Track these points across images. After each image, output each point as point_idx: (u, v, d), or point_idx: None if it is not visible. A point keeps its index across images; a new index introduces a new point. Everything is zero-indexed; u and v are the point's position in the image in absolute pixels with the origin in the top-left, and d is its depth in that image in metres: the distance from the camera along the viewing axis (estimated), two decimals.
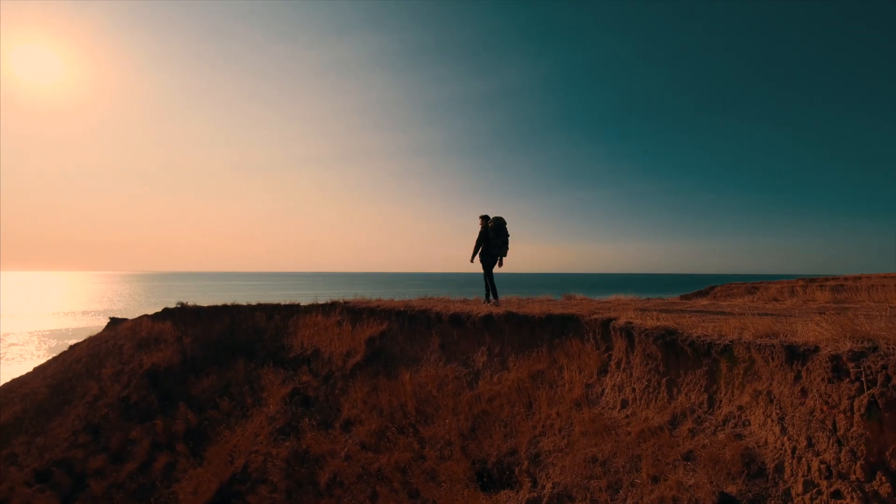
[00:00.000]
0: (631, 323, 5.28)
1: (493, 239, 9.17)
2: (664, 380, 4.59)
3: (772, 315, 5.90)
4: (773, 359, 3.54)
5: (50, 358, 17.61)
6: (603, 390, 5.45)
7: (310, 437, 8.77)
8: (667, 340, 4.55)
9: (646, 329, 4.86)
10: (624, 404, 4.95)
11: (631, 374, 5.06)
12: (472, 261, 9.35)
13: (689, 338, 4.33)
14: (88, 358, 15.82)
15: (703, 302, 7.93)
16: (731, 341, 3.97)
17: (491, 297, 9.70)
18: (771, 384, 3.56)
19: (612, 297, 9.90)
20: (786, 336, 3.66)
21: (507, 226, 9.29)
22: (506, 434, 6.01)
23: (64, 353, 17.49)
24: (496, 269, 9.41)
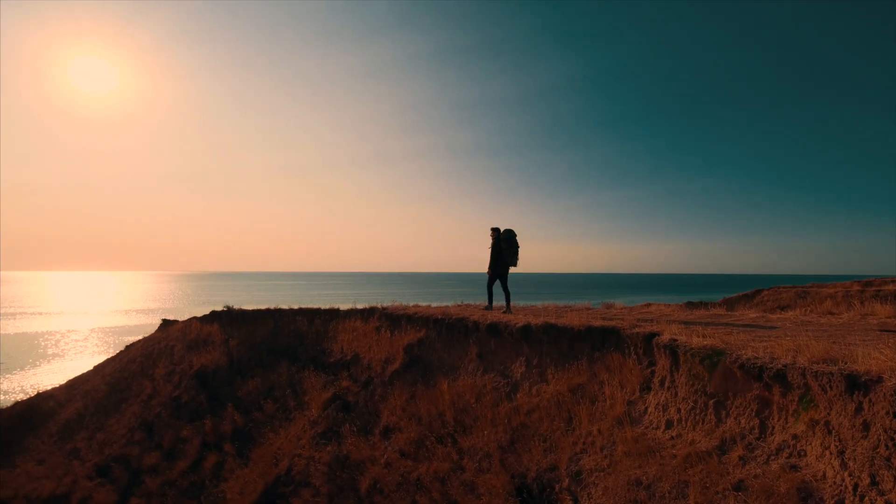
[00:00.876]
0: (676, 340, 5.14)
1: (504, 250, 9.86)
2: (711, 402, 4.45)
3: (827, 331, 5.62)
4: (831, 387, 3.38)
5: (108, 357, 18.66)
6: (646, 409, 5.33)
7: (350, 442, 8.97)
8: (714, 361, 4.41)
9: (692, 348, 4.72)
10: (669, 425, 4.83)
11: (676, 394, 4.93)
12: (488, 272, 10.11)
13: (739, 359, 4.18)
14: (143, 358, 16.68)
15: (752, 314, 7.61)
16: (785, 366, 3.81)
17: (502, 304, 10.56)
18: (829, 414, 3.40)
19: (653, 306, 9.64)
20: (845, 363, 3.48)
21: (517, 237, 10.00)
22: (545, 449, 5.96)
23: (121, 352, 18.50)
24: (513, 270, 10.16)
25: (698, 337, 5.22)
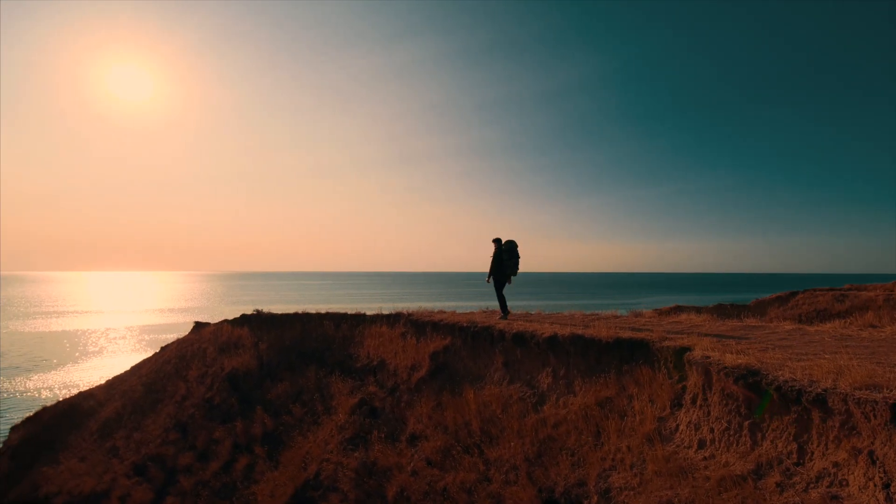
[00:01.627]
0: (708, 357, 5.02)
1: (506, 261, 10.27)
2: (746, 423, 4.33)
3: (869, 348, 5.40)
4: (875, 416, 3.25)
5: (144, 358, 19.32)
6: (677, 426, 5.23)
7: (377, 449, 9.07)
8: (749, 382, 4.29)
9: (725, 366, 4.60)
10: (701, 445, 4.72)
11: (709, 413, 4.81)
12: (487, 280, 10.58)
13: (776, 381, 4.06)
14: (177, 359, 17.21)
15: (787, 326, 7.36)
16: (825, 390, 3.68)
17: (505, 312, 10.94)
18: (873, 443, 3.27)
19: (682, 314, 9.43)
20: (890, 390, 3.34)
21: (518, 248, 10.39)
22: (573, 463, 5.91)
23: (156, 353, 19.14)
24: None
25: (732, 354, 5.09)
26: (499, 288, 10.53)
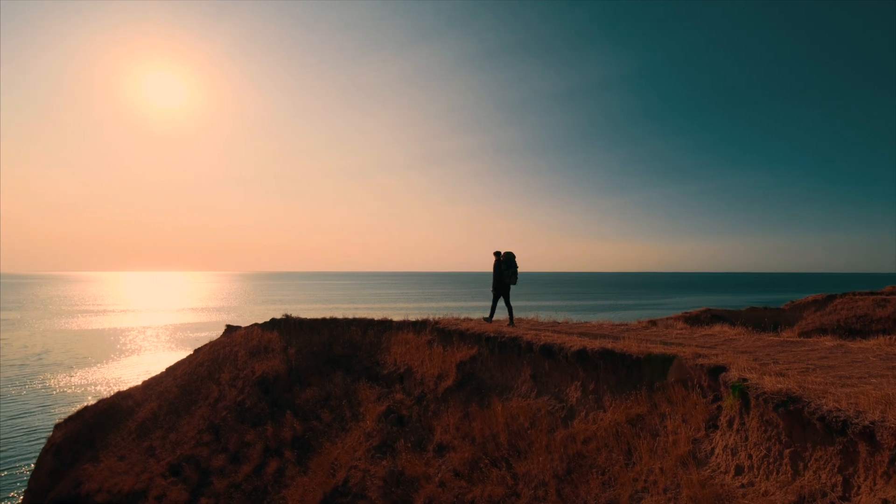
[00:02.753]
0: (746, 380, 4.88)
1: (504, 271, 11.41)
2: (787, 451, 4.19)
3: None
4: None
5: (178, 360, 19.92)
6: (713, 449, 5.09)
7: (405, 458, 9.13)
8: (790, 410, 4.15)
9: (764, 392, 4.46)
10: (739, 471, 4.59)
11: (746, 438, 4.68)
12: (492, 290, 11.80)
13: (819, 411, 3.91)
14: (210, 362, 17.69)
15: (828, 343, 7.08)
16: (873, 423, 3.53)
17: (503, 317, 12.17)
18: None
19: (716, 327, 9.17)
20: None
21: (515, 259, 11.54)
22: (604, 483, 5.83)
23: (190, 356, 19.72)
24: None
25: (770, 376, 4.93)
26: (496, 296, 11.69)
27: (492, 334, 9.88)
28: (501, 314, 12.71)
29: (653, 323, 10.70)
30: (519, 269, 11.51)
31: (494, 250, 11.73)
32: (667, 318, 25.42)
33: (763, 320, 26.50)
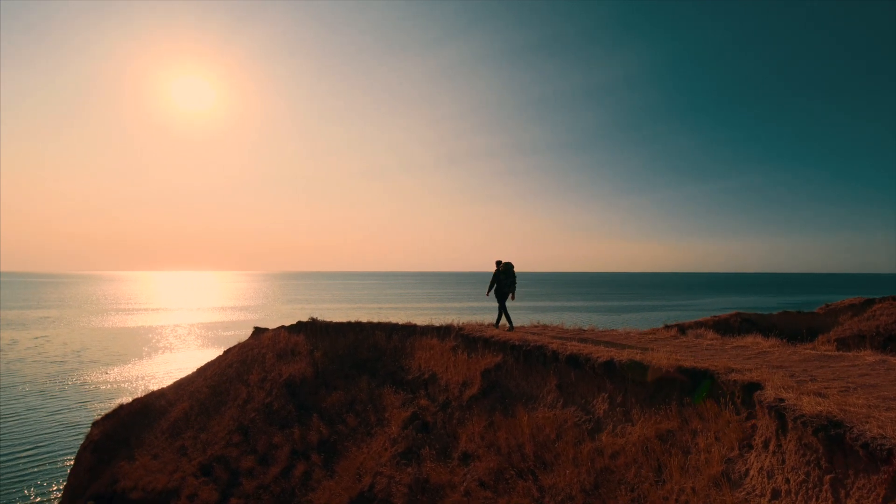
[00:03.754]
0: (783, 401, 4.73)
1: (502, 280, 12.05)
2: (828, 477, 4.05)
3: None
4: None
5: (208, 361, 20.45)
6: (747, 470, 4.96)
7: (429, 465, 9.17)
8: (831, 435, 4.01)
9: (803, 415, 4.31)
10: (775, 495, 4.46)
11: (783, 461, 4.54)
12: (486, 295, 12.69)
13: (862, 437, 3.77)
14: (239, 363, 18.11)
15: (870, 358, 6.79)
16: None
17: (506, 323, 12.51)
18: None
19: (748, 338, 8.91)
20: None
21: (514, 269, 12.25)
22: (633, 500, 5.74)
23: (219, 356, 20.21)
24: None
25: (809, 396, 4.77)
26: (501, 303, 12.28)
27: (517, 342, 9.83)
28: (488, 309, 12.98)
29: (682, 332, 10.47)
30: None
31: (496, 259, 12.41)
32: (695, 322, 24.82)
33: (797, 326, 25.53)
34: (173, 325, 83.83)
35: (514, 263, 12.29)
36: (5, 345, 60.77)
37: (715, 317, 26.14)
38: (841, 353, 7.42)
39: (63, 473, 23.86)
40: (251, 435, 14.00)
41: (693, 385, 6.42)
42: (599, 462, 6.64)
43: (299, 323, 17.95)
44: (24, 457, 25.69)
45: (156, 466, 14.75)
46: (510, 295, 12.10)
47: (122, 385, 42.47)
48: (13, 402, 35.57)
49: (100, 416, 18.65)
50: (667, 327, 23.63)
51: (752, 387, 5.57)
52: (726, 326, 24.35)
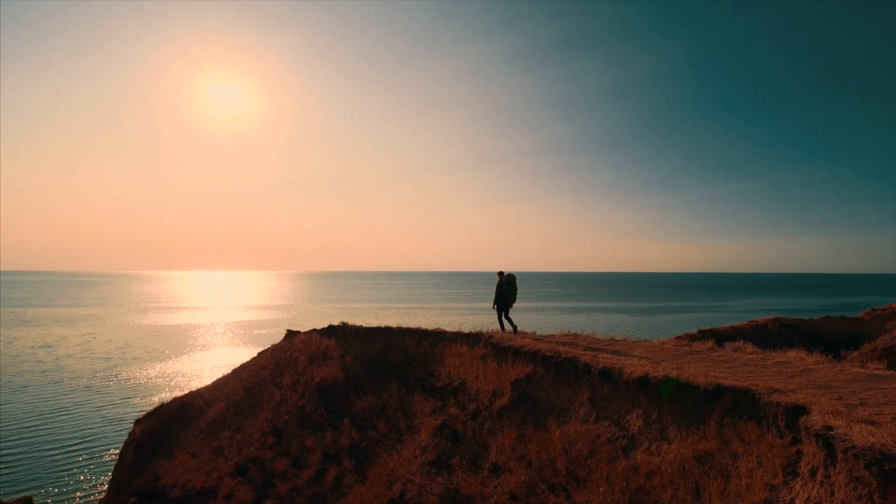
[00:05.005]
0: (831, 430, 4.53)
1: (505, 291, 13.03)
2: None
3: None
4: None
5: (243, 362, 21.02)
6: (792, 500, 4.77)
7: (460, 476, 9.18)
8: (885, 470, 3.82)
9: (854, 447, 4.12)
10: None
11: (832, 493, 4.34)
12: (493, 307, 13.47)
13: None
14: (272, 366, 18.54)
15: None
16: None
17: (510, 328, 13.34)
18: None
19: (790, 352, 8.56)
20: None
21: (516, 281, 13.13)
22: None
23: (254, 358, 20.74)
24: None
25: (859, 424, 4.55)
26: (499, 311, 13.26)
27: (548, 353, 9.74)
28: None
29: (719, 343, 10.15)
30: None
31: (498, 271, 13.37)
32: (731, 327, 23.99)
33: (840, 332, 24.32)
34: (209, 323, 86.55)
35: (515, 275, 13.27)
36: (56, 341, 64.03)
37: (752, 322, 25.19)
38: (892, 372, 7.05)
39: (107, 467, 24.99)
40: (284, 437, 14.31)
41: (733, 405, 6.23)
42: (634, 481, 6.51)
43: (330, 327, 18.24)
44: (73, 450, 27.02)
45: (194, 465, 15.25)
46: (510, 305, 13.17)
47: (162, 382, 44.11)
48: (62, 396, 37.45)
49: (142, 414, 19.42)
50: (701, 332, 22.91)
51: (797, 410, 5.36)
52: (764, 332, 23.44)
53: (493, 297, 13.44)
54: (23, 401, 36.01)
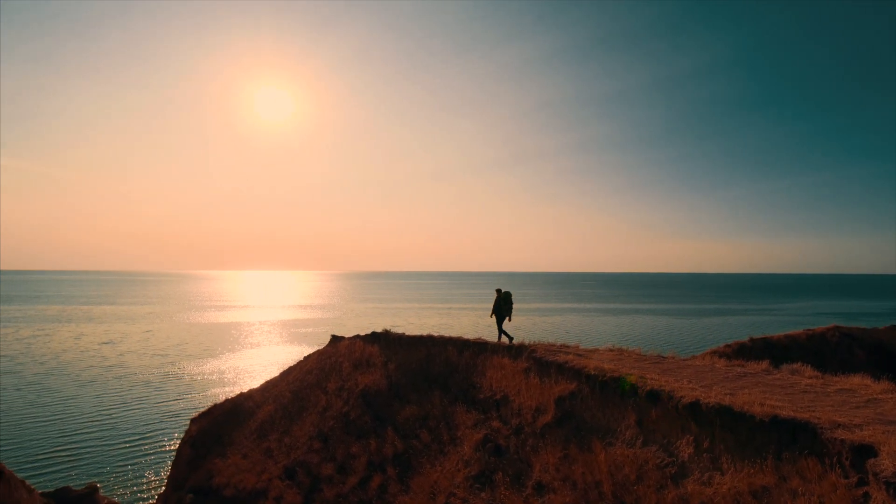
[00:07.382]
0: None
1: (502, 306, 14.77)
2: None
3: None
4: None
5: (290, 366, 21.77)
6: None
7: (503, 492, 9.19)
8: None
9: None
10: None
11: None
12: (490, 317, 15.36)
13: None
14: (318, 371, 19.12)
15: None
16: None
17: (506, 339, 14.60)
18: None
19: (854, 378, 8.07)
20: None
21: (511, 297, 14.99)
22: None
23: (300, 362, 21.45)
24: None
25: None
26: (499, 324, 14.93)
27: (592, 371, 9.60)
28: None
29: (774, 364, 9.69)
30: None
31: (497, 287, 15.42)
32: (786, 336, 22.72)
33: None
34: (258, 321, 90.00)
35: (511, 292, 15.27)
36: (118, 338, 68.29)
37: (808, 330, 23.73)
38: None
39: (164, 461, 26.48)
40: (330, 443, 14.73)
41: (792, 437, 5.96)
42: None
43: (374, 334, 18.61)
44: (135, 443, 28.80)
45: (245, 465, 15.93)
46: (507, 318, 14.91)
47: (216, 378, 46.21)
48: (125, 391, 39.94)
49: (196, 413, 20.47)
50: (752, 341, 21.83)
51: (864, 450, 5.08)
52: (822, 343, 22.10)
53: (492, 307, 15.23)
54: (90, 394, 38.65)
